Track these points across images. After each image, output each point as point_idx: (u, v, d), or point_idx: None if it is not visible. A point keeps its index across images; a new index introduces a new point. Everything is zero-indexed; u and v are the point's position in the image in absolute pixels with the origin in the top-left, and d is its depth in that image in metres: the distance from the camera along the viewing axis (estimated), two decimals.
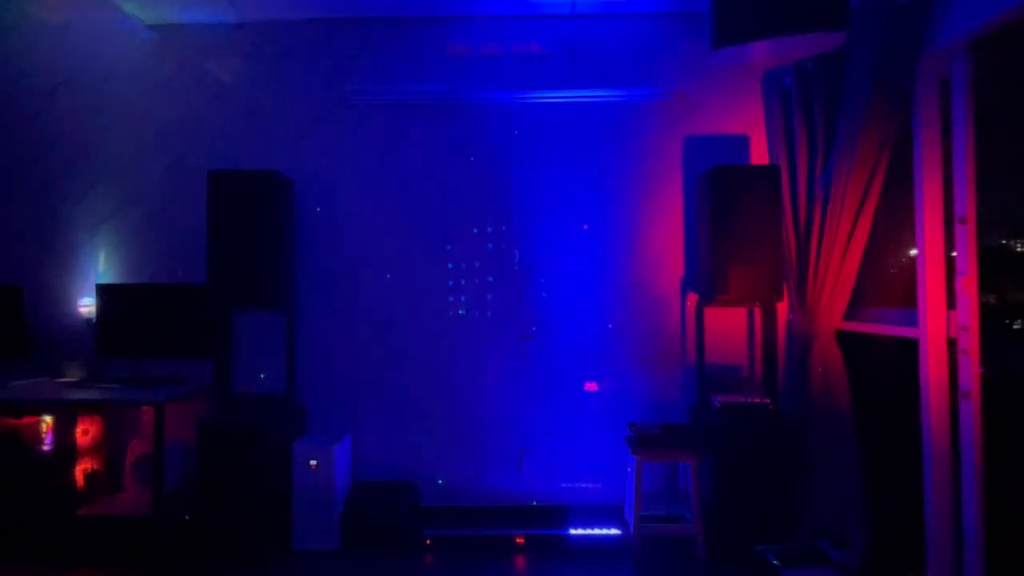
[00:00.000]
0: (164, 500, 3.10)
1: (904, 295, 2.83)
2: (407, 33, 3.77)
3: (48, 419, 3.50)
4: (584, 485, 3.67)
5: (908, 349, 2.70)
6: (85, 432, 3.61)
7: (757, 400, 3.21)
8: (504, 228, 3.73)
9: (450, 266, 3.73)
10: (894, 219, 2.97)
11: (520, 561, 3.15)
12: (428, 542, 3.30)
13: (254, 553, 3.14)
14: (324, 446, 3.31)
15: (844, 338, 3.15)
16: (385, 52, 3.77)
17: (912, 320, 2.71)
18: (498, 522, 3.49)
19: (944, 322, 2.60)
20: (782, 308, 3.42)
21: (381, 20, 3.77)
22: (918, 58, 2.65)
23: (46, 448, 3.50)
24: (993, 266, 2.43)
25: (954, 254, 2.50)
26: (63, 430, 3.53)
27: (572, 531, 3.37)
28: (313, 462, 3.26)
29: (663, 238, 3.72)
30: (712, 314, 3.55)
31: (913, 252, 2.76)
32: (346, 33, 3.78)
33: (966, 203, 2.44)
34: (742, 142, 3.64)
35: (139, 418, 3.64)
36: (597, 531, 3.37)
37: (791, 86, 3.33)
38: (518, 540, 3.30)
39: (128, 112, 3.81)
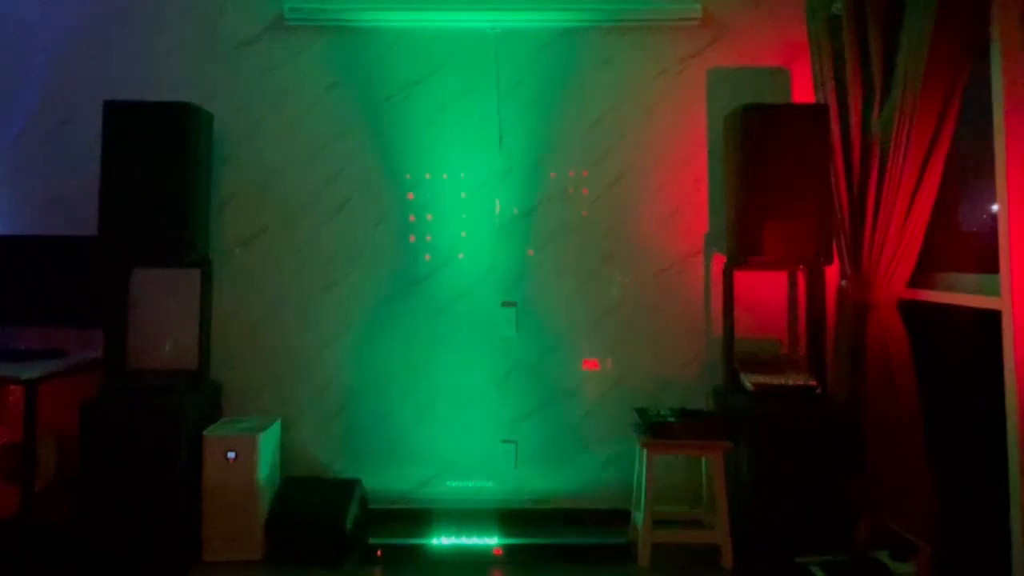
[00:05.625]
0: (35, 500, 2.87)
1: (984, 258, 2.62)
2: None
3: None
4: (579, 484, 3.35)
5: (989, 322, 2.50)
6: None
7: (800, 382, 2.98)
8: (482, 173, 3.36)
9: (412, 218, 3.34)
10: (971, 167, 2.75)
11: None
12: (378, 552, 2.98)
13: (153, 565, 2.86)
14: (245, 434, 3.05)
15: (908, 309, 2.92)
16: None
17: (994, 288, 2.47)
18: (468, 528, 3.15)
19: None
20: (831, 272, 3.14)
21: None
22: None
23: None
24: None
25: None
26: None
27: (564, 539, 3.08)
28: (231, 454, 2.99)
29: (683, 188, 3.36)
30: (744, 279, 3.24)
31: (994, 207, 2.53)
32: None
33: None
34: (781, 77, 3.32)
35: (4, 399, 3.27)
36: (595, 539, 3.09)
37: (841, 11, 3.04)
38: (495, 551, 2.98)
39: (5, 29, 3.36)
